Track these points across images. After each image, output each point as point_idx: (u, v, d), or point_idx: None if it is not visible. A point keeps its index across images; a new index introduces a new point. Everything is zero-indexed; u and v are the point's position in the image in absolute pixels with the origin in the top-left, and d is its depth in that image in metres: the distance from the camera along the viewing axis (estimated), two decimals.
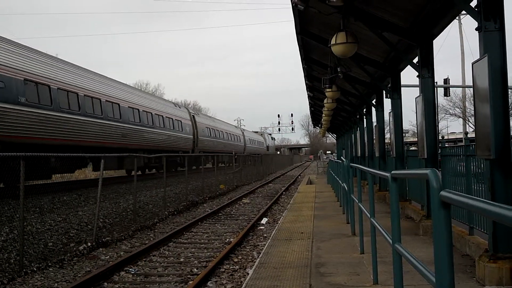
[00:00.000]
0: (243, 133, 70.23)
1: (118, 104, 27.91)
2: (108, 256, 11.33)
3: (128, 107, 29.34)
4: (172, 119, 37.57)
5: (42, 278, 9.38)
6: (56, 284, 9.02)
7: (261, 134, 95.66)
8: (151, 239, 13.44)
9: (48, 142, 20.39)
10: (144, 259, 10.93)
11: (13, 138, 18.34)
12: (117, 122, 27.32)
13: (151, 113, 33.14)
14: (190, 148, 41.33)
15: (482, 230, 7.94)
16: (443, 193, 2.94)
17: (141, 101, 32.35)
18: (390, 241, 4.77)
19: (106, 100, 26.36)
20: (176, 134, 38.03)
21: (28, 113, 19.18)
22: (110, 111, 26.62)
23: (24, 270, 9.56)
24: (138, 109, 30.88)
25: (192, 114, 45.59)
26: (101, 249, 12.04)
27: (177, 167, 38.42)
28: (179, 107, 43.48)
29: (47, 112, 20.45)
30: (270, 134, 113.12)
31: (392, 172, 4.85)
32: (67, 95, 22.40)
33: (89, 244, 11.93)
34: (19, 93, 18.68)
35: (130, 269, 9.97)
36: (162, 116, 35.48)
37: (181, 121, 39.95)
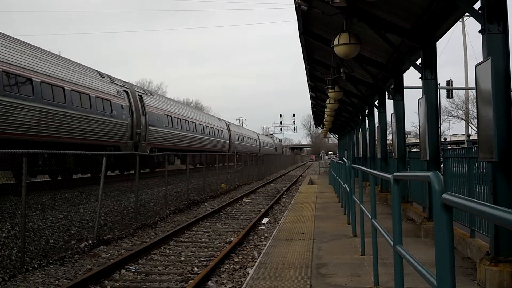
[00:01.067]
0: (258, 137, 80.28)
1: (195, 122, 41.55)
2: (109, 254, 11.34)
3: (199, 123, 42.85)
4: (217, 129, 50.19)
5: (43, 275, 9.38)
6: (57, 281, 9.02)
7: (271, 137, 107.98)
8: (152, 237, 13.45)
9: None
10: (145, 258, 10.94)
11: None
12: (189, 133, 39.14)
13: (208, 126, 46.04)
14: (226, 149, 51.31)
15: (484, 233, 7.93)
16: (445, 195, 2.94)
17: (201, 118, 45.60)
18: (392, 242, 4.77)
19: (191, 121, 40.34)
20: (218, 139, 49.67)
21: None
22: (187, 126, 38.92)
23: (25, 267, 9.57)
24: (202, 124, 43.88)
25: (227, 124, 56.77)
26: (102, 247, 12.05)
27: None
28: (220, 120, 55.31)
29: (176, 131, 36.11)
30: (271, 134, 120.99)
31: (394, 173, 4.84)
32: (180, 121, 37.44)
33: (90, 241, 11.93)
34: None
35: (131, 267, 9.98)
36: (212, 127, 47.99)
37: (222, 130, 52.43)
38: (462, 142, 57.85)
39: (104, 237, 12.63)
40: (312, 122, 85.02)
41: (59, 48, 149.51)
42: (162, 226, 15.62)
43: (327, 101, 23.06)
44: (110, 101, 25.87)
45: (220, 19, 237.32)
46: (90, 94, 23.82)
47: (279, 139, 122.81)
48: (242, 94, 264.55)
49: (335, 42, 11.15)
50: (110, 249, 11.89)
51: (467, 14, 9.03)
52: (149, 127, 30.85)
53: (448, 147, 10.71)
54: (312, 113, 42.91)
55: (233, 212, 19.45)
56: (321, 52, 16.88)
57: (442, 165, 10.82)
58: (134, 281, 9.14)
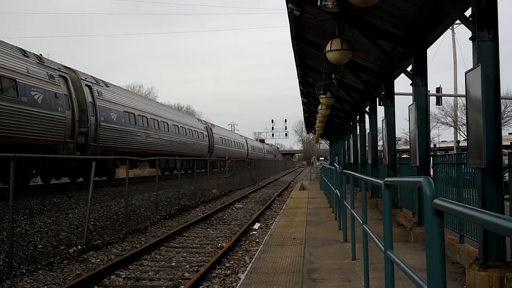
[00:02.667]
0: (246, 141, 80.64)
1: (167, 122, 37.29)
2: (98, 260, 11.28)
3: (172, 124, 38.81)
4: (196, 131, 46.08)
5: (31, 280, 9.31)
6: (45, 287, 8.96)
7: (271, 146, 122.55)
8: (143, 242, 13.39)
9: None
10: (135, 263, 10.90)
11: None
12: (159, 134, 35.09)
13: (184, 128, 41.81)
14: (206, 154, 48.00)
15: (473, 239, 7.98)
16: (436, 201, 2.96)
17: (176, 118, 41.19)
18: (382, 248, 4.78)
19: (161, 121, 36.28)
20: (196, 142, 45.60)
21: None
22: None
23: (13, 272, 9.48)
24: (177, 125, 39.81)
25: (208, 126, 53.17)
26: (91, 252, 11.98)
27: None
28: (199, 121, 52.43)
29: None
30: (271, 144, 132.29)
31: (386, 179, 4.86)
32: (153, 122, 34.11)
33: (79, 247, 11.86)
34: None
35: (121, 273, 9.93)
36: (190, 129, 43.75)
37: (202, 132, 48.14)
38: (451, 148, 58.12)
39: (94, 243, 12.56)
40: (304, 128, 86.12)
41: (47, 51, 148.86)
42: (152, 231, 15.57)
43: (319, 107, 23.11)
44: (36, 86, 20.01)
45: (213, 24, 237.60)
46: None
47: (277, 147, 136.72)
48: (233, 99, 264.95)
49: (327, 48, 11.20)
50: (100, 255, 11.82)
51: (457, 21, 9.08)
52: (102, 124, 25.48)
53: (438, 153, 10.76)
54: (304, 118, 42.97)
55: (224, 217, 19.43)
56: (313, 58, 16.94)
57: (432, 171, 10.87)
58: (124, 286, 9.09)
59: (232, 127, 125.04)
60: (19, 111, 18.75)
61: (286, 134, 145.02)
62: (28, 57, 20.62)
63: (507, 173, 7.31)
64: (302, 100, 28.21)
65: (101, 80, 28.12)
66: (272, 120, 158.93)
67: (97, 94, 25.66)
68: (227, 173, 37.14)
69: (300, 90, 24.25)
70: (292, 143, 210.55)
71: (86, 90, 24.57)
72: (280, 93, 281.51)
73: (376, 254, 7.68)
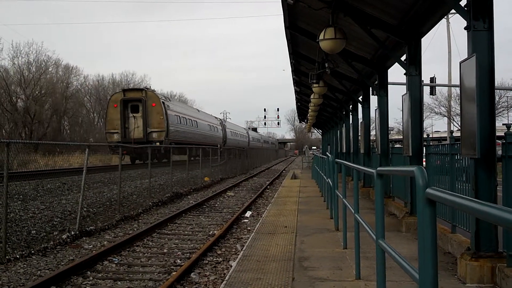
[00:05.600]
0: (247, 133, 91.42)
1: (196, 121, 51.12)
2: (91, 245, 11.29)
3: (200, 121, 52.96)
4: (213, 126, 59.11)
5: (25, 265, 9.33)
6: (39, 271, 8.97)
7: (270, 137, 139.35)
8: (135, 229, 13.40)
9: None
10: (127, 249, 10.91)
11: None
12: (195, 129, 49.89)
13: (210, 125, 57.20)
14: (221, 144, 56.50)
15: (465, 229, 8.02)
16: (429, 190, 2.97)
17: (202, 117, 55.25)
18: (374, 237, 4.80)
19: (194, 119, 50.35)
20: (214, 134, 58.29)
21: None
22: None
23: (7, 257, 9.50)
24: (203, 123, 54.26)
25: (222, 121, 68.13)
26: (84, 238, 11.99)
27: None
28: (216, 118, 65.92)
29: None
30: (270, 137, 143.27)
31: (378, 168, 4.86)
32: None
33: (72, 232, 11.87)
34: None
35: (114, 259, 9.95)
36: (209, 124, 57.17)
37: (217, 127, 61.28)
38: (444, 138, 58.33)
39: (87, 228, 12.56)
40: (296, 117, 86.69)
41: (40, 38, 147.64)
42: (145, 218, 15.57)
43: (312, 96, 23.09)
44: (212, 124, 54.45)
45: (206, 13, 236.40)
46: (210, 124, 49.74)
47: (276, 139, 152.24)
48: (226, 88, 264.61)
49: (321, 36, 11.17)
50: (93, 241, 11.84)
51: (452, 11, 9.04)
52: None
53: (431, 143, 10.78)
54: (297, 107, 42.95)
55: (216, 205, 19.44)
56: (306, 47, 16.90)
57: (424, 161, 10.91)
58: (117, 272, 9.11)
59: (225, 116, 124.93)
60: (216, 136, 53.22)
61: (278, 123, 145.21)
62: (216, 118, 58.10)
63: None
64: (294, 89, 28.18)
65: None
66: (265, 109, 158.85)
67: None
68: (219, 161, 37.11)
69: (293, 79, 24.22)
70: (284, 132, 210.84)
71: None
72: (273, 82, 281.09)
73: (368, 243, 7.73)
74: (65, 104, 68.99)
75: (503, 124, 65.04)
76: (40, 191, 17.37)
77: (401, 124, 12.24)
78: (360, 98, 19.52)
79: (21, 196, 15.53)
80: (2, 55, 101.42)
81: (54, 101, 65.79)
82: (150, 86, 57.51)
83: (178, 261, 9.93)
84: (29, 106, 59.06)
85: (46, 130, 62.09)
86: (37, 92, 61.83)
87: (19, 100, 61.88)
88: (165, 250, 10.99)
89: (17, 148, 12.66)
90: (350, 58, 15.38)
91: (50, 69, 68.23)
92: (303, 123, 60.82)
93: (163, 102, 39.49)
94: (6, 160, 10.10)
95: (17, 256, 9.71)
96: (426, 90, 42.83)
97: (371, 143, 18.73)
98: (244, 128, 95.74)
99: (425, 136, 11.52)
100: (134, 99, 39.16)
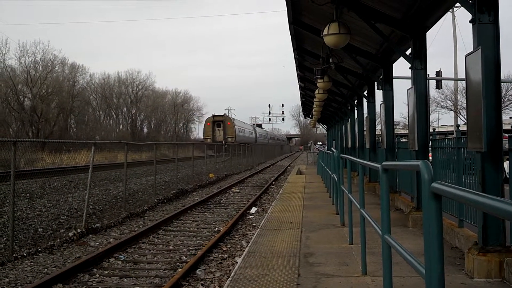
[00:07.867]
0: (267, 134, 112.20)
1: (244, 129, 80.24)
2: (97, 243, 11.31)
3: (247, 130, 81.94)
4: (249, 130, 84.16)
5: (32, 263, 9.36)
6: (45, 269, 8.99)
7: (280, 135, 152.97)
8: (141, 226, 13.42)
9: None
10: (133, 246, 10.92)
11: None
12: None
13: (250, 130, 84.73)
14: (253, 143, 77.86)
15: (472, 223, 7.98)
16: (434, 184, 2.94)
17: (248, 127, 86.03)
18: (380, 232, 4.77)
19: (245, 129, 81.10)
20: (252, 136, 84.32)
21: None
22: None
23: (14, 255, 9.55)
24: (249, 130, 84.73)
25: (254, 126, 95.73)
26: (90, 235, 12.02)
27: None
28: (251, 124, 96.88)
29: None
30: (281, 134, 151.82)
31: (383, 163, 4.83)
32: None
33: (79, 230, 11.90)
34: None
35: (120, 256, 9.96)
36: (248, 130, 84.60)
37: (251, 130, 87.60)
38: (451, 132, 58.13)
39: (93, 226, 12.59)
40: (301, 112, 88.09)
41: (46, 37, 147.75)
42: (150, 215, 15.59)
43: (316, 91, 22.98)
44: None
45: (210, 9, 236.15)
46: (249, 130, 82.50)
47: (285, 136, 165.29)
48: (230, 84, 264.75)
49: (325, 32, 11.10)
50: (99, 238, 11.86)
51: (457, 4, 8.95)
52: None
53: (437, 137, 10.73)
54: (301, 103, 42.88)
55: (221, 201, 19.45)
56: (310, 42, 16.84)
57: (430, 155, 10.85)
58: (123, 269, 9.12)
59: (229, 112, 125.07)
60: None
61: (283, 119, 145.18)
62: (252, 125, 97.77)
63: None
64: (299, 85, 28.11)
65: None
66: (269, 105, 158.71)
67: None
68: (223, 157, 37.13)
69: (298, 74, 24.14)
70: (289, 128, 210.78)
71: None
72: (277, 78, 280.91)
73: (374, 238, 7.71)
74: (72, 103, 69.00)
75: (510, 118, 64.85)
76: (47, 189, 17.41)
77: (407, 118, 12.18)
78: (365, 93, 19.43)
79: (28, 194, 15.57)
80: (9, 55, 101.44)
81: (60, 100, 65.78)
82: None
83: (184, 257, 9.93)
84: (36, 105, 59.05)
85: (53, 128, 62.09)
86: (43, 91, 61.82)
87: (26, 99, 61.88)
88: (170, 247, 11.00)
89: (24, 146, 12.74)
90: (355, 53, 15.30)
91: (56, 68, 68.16)
92: (308, 118, 60.75)
93: (233, 122, 70.51)
94: (13, 159, 10.12)
95: (24, 254, 9.76)
96: (432, 84, 42.72)
97: (377, 138, 18.67)
98: (251, 125, 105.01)
99: (431, 130, 11.46)
100: (218, 120, 68.02)
